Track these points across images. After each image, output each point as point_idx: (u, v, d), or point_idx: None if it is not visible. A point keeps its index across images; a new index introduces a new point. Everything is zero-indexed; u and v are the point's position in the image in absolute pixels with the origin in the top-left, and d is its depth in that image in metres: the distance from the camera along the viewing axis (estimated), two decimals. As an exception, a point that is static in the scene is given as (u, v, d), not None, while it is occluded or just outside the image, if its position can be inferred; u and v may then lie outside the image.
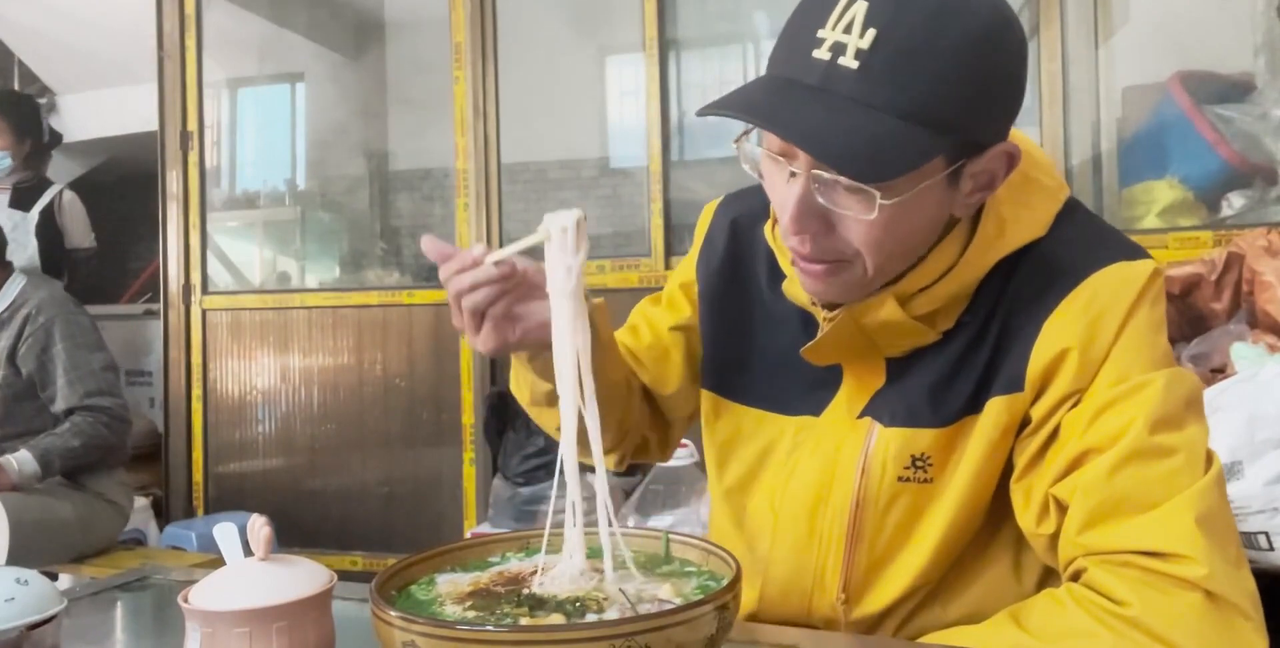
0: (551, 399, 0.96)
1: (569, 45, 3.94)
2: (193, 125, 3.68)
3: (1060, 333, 0.82)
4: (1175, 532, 0.75)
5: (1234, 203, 2.54)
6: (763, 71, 0.82)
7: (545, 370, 0.93)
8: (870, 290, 0.87)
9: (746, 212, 1.03)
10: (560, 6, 3.78)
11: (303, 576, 0.68)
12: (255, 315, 3.59)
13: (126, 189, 6.14)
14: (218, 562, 0.68)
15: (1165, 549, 0.74)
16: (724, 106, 0.77)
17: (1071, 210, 0.90)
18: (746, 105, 0.78)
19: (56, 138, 4.15)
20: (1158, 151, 2.68)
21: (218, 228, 3.89)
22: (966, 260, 0.86)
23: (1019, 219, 0.87)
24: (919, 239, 0.85)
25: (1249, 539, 1.50)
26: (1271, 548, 1.48)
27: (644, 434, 1.12)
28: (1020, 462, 0.86)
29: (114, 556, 2.82)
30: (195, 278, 3.65)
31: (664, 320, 1.09)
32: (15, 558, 2.44)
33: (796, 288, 0.93)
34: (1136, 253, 0.86)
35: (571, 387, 0.76)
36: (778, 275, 0.96)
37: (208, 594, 0.66)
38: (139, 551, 3.03)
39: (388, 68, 4.60)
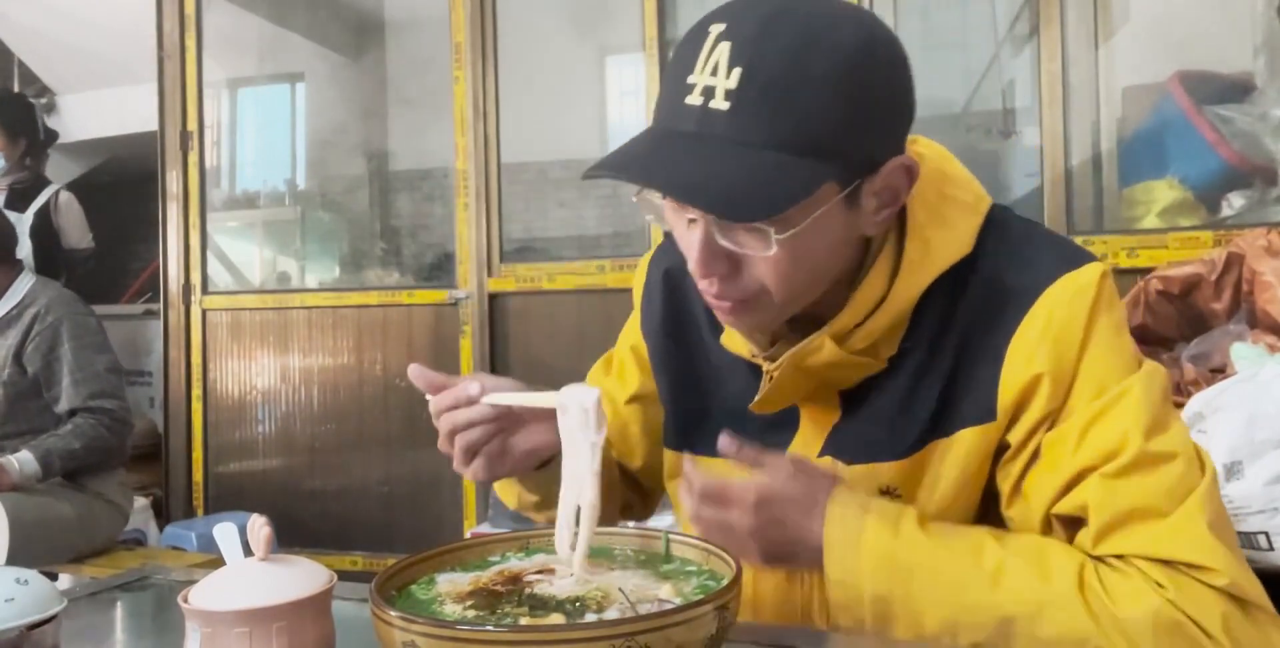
0: (539, 507, 1.00)
1: (569, 45, 3.94)
2: (193, 125, 3.69)
3: (1027, 359, 0.81)
4: (1192, 541, 0.75)
5: (1234, 203, 2.54)
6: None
7: (535, 486, 0.96)
8: (785, 317, 0.86)
9: (678, 262, 1.00)
10: (560, 6, 3.78)
11: (303, 576, 0.67)
12: (255, 315, 3.59)
13: (126, 189, 6.14)
14: (218, 562, 0.68)
15: (1187, 560, 0.75)
16: (605, 167, 0.78)
17: (997, 222, 0.88)
18: (625, 162, 0.77)
19: (52, 136, 4.14)
20: (1158, 151, 2.68)
21: (218, 228, 3.89)
22: (896, 290, 0.84)
23: (941, 239, 0.85)
24: (829, 265, 0.84)
25: (1249, 539, 1.50)
26: (1271, 548, 1.48)
27: (626, 498, 1.13)
28: (1005, 487, 0.85)
29: (114, 556, 2.82)
30: (195, 278, 3.66)
31: (619, 393, 1.08)
32: (15, 558, 2.44)
33: (735, 341, 0.93)
34: (1078, 259, 0.85)
35: (585, 539, 0.74)
36: (718, 325, 0.96)
37: (208, 594, 0.66)
38: (139, 551, 3.03)
39: (388, 68, 4.59)
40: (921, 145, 0.91)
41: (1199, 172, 2.58)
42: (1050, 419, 0.81)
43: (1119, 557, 0.77)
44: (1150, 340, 2.12)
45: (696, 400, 1.00)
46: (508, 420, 0.87)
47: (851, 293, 0.85)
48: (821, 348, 0.85)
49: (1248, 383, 1.56)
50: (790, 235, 0.76)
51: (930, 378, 0.86)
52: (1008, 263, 0.85)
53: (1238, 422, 1.51)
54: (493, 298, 3.25)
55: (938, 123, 3.38)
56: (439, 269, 3.93)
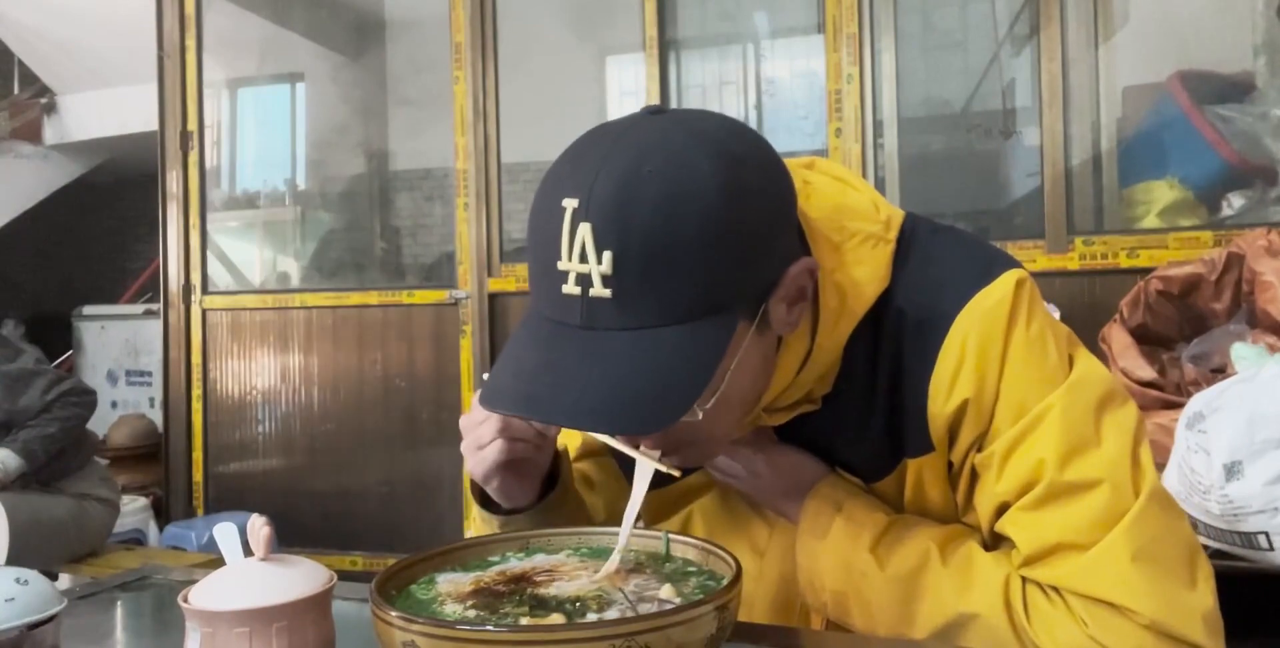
0: None
1: (569, 45, 3.95)
2: (193, 125, 3.69)
3: (950, 389, 0.80)
4: (1113, 579, 0.73)
5: (1234, 203, 2.55)
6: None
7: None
8: (723, 448, 0.86)
9: None
10: (560, 6, 3.78)
11: (303, 576, 0.67)
12: (255, 315, 3.59)
13: (126, 189, 6.15)
14: (218, 562, 0.68)
15: (1106, 598, 0.74)
16: (505, 401, 0.72)
17: (908, 245, 0.85)
18: (525, 390, 0.71)
19: None
20: (1158, 151, 2.69)
21: (218, 228, 3.89)
22: (819, 345, 0.81)
23: (856, 281, 0.81)
24: (756, 387, 0.80)
25: (1249, 539, 1.50)
26: (1271, 548, 1.47)
27: None
28: (959, 499, 0.86)
29: (114, 556, 2.82)
30: (195, 278, 3.66)
31: (567, 452, 1.04)
32: (13, 560, 2.44)
33: None
34: (989, 272, 0.81)
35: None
36: None
37: (208, 594, 0.66)
38: (139, 551, 3.03)
39: (388, 68, 4.60)
40: (817, 171, 0.88)
41: (1199, 172, 2.58)
42: (978, 442, 0.81)
43: (1052, 586, 0.77)
44: (1150, 340, 2.12)
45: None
46: (543, 440, 0.85)
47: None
48: (756, 420, 0.85)
49: (1248, 383, 1.56)
50: (714, 399, 0.72)
51: (871, 420, 0.85)
52: (920, 289, 0.82)
53: (1238, 422, 1.51)
54: (493, 298, 3.25)
55: (938, 123, 3.39)
56: (439, 269, 3.94)
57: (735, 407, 0.78)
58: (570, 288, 0.69)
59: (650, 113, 0.74)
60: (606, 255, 0.67)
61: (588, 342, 0.69)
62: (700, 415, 0.72)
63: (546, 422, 0.74)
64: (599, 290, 0.68)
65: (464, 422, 0.86)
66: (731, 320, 0.71)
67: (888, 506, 0.88)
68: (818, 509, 0.87)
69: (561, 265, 0.69)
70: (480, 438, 0.83)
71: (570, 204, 0.68)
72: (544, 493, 0.90)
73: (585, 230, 0.67)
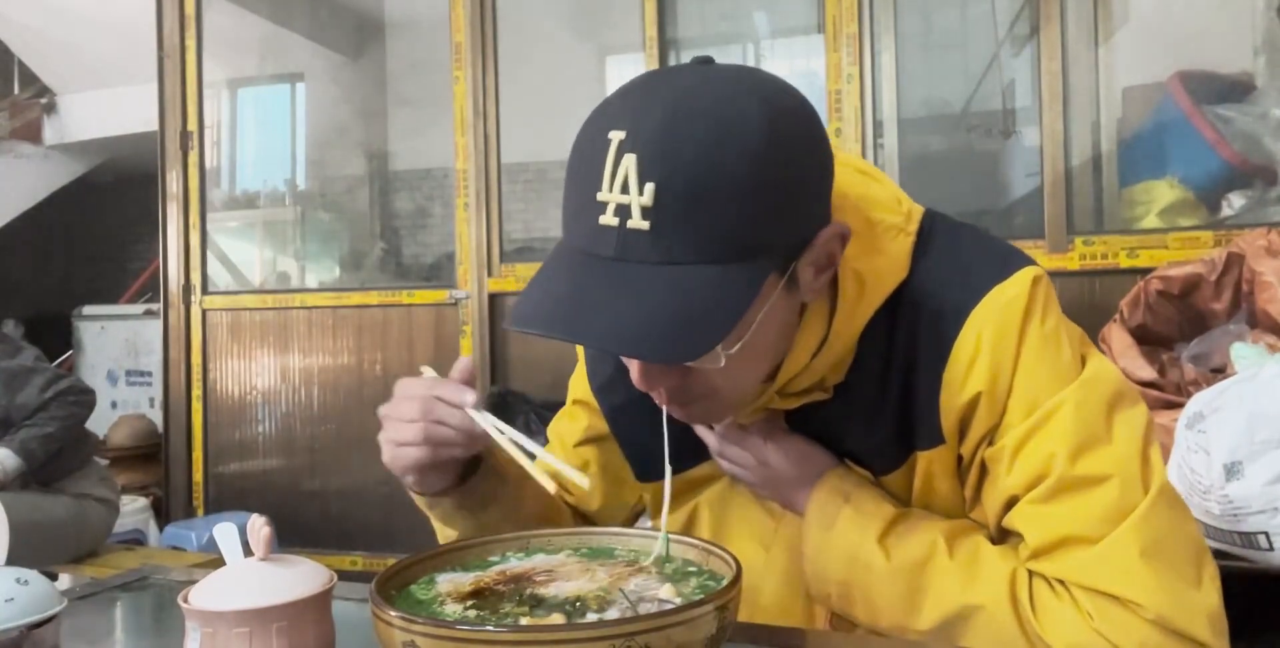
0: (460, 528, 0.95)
1: (569, 45, 3.95)
2: (193, 125, 3.69)
3: (964, 382, 0.80)
4: (1121, 572, 0.74)
5: (1234, 203, 2.55)
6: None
7: (446, 518, 0.92)
8: (740, 410, 0.86)
9: None
10: (560, 6, 3.78)
11: (303, 576, 0.67)
12: (255, 315, 3.59)
13: (126, 189, 6.15)
14: (218, 562, 0.68)
15: (1113, 592, 0.74)
16: (530, 320, 0.71)
17: (927, 238, 0.85)
18: (551, 311, 0.71)
19: None
20: (1158, 151, 2.69)
21: (218, 228, 3.89)
22: (836, 330, 0.82)
23: (875, 270, 0.82)
24: (778, 350, 0.81)
25: (1249, 539, 1.50)
26: (1271, 548, 1.48)
27: None
28: (967, 494, 0.86)
29: (113, 556, 2.82)
30: (195, 278, 3.66)
31: (571, 436, 1.05)
32: (13, 560, 2.44)
33: None
34: (1006, 268, 0.82)
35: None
36: None
37: (208, 594, 0.66)
38: (139, 551, 3.03)
39: (388, 68, 4.60)
40: (841, 163, 0.87)
41: (1199, 172, 2.58)
42: (989, 436, 0.81)
43: (1059, 580, 0.77)
44: (1150, 340, 2.12)
45: (661, 434, 0.93)
46: (471, 441, 0.82)
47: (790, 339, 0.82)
48: (769, 402, 0.85)
49: (1248, 383, 1.56)
50: (739, 347, 0.73)
51: (883, 411, 0.85)
52: (937, 282, 0.83)
53: (1238, 422, 1.51)
54: (493, 298, 3.25)
55: (938, 123, 3.39)
56: (439, 269, 3.94)
57: (755, 363, 0.79)
58: (608, 219, 0.69)
59: (700, 62, 0.75)
60: (649, 187, 0.68)
61: (619, 272, 0.70)
62: (723, 362, 0.72)
63: (576, 342, 0.73)
64: (637, 222, 0.68)
65: (385, 410, 0.83)
66: (763, 269, 0.72)
67: (896, 500, 0.88)
68: (825, 500, 0.87)
69: (601, 196, 0.69)
70: (401, 436, 0.81)
71: (617, 136, 0.69)
72: (468, 475, 0.88)
73: (630, 161, 0.68)
